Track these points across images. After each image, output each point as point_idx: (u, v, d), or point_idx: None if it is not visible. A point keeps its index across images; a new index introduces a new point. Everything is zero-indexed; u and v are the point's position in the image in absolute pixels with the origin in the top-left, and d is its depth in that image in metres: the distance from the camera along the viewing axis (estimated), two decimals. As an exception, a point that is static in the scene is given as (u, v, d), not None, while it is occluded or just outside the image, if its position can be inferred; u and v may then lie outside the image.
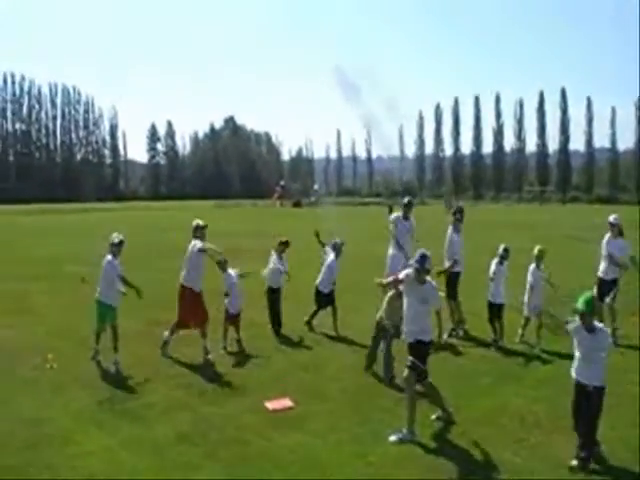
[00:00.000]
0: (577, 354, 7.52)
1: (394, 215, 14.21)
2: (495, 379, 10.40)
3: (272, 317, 13.44)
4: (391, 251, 14.01)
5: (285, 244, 13.72)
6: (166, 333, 11.71)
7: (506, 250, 12.57)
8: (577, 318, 7.39)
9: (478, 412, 8.92)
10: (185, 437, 8.15)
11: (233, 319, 12.26)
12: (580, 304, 7.32)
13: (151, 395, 9.69)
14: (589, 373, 7.34)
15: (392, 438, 8.01)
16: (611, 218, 13.06)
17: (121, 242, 11.30)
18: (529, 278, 12.49)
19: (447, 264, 13.07)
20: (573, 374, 7.52)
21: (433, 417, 8.49)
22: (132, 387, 10.10)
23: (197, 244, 11.52)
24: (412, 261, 8.50)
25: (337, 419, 8.70)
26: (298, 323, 13.63)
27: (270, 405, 9.16)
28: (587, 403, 7.35)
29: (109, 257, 11.23)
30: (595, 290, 12.62)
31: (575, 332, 7.49)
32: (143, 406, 9.23)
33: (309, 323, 13.68)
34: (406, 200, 14.39)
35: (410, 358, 8.28)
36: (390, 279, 9.36)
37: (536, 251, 12.56)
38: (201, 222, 11.76)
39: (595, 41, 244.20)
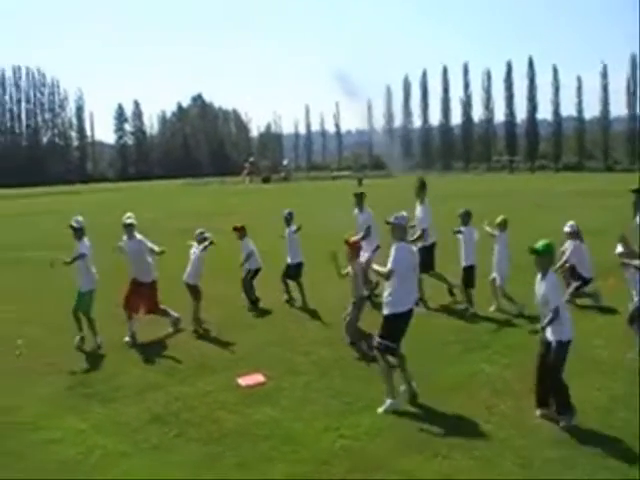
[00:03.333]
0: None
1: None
2: (465, 347, 10.47)
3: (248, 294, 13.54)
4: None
5: (239, 230, 13.70)
6: (127, 323, 11.51)
7: (467, 213, 12.72)
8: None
9: (449, 380, 8.98)
10: (157, 418, 8.12)
11: (191, 290, 12.17)
12: (538, 245, 7.57)
13: (122, 377, 9.64)
14: (550, 328, 7.49)
15: (380, 410, 8.03)
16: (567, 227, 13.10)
17: (80, 228, 11.21)
18: (496, 246, 12.70)
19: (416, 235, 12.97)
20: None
21: (402, 388, 8.47)
22: (102, 370, 10.04)
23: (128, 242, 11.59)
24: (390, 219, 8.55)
25: (309, 393, 8.72)
26: (269, 299, 13.62)
27: (242, 381, 9.14)
28: (547, 358, 7.54)
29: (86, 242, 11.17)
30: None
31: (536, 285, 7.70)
32: (114, 388, 9.17)
33: (288, 301, 13.81)
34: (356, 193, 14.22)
35: (377, 340, 8.31)
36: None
37: (499, 220, 12.70)
38: (128, 220, 11.62)
39: (561, 10, 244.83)
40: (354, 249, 10.41)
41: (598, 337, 10.52)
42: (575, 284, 12.67)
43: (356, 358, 10.06)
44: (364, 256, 11.43)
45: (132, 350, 10.94)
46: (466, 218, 12.74)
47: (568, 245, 12.85)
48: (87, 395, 8.99)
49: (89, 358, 10.62)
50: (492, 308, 12.53)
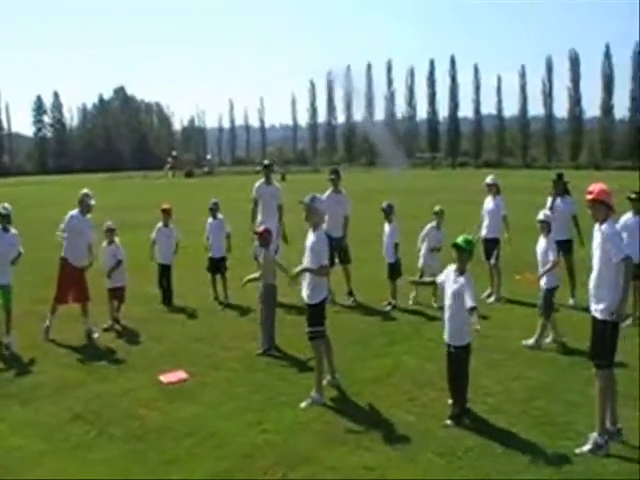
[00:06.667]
0: (445, 309, 7.64)
1: (257, 183, 13.76)
2: (388, 340, 10.62)
3: (162, 292, 13.31)
4: (260, 218, 13.47)
5: (166, 212, 13.47)
6: (48, 315, 11.24)
7: (389, 206, 12.80)
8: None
9: (372, 373, 9.09)
10: (78, 416, 7.94)
11: (119, 293, 11.98)
12: (460, 240, 7.46)
13: (40, 375, 9.40)
14: (452, 332, 7.50)
15: (303, 405, 8.01)
16: (488, 179, 13.50)
17: (7, 215, 10.78)
18: (428, 237, 12.90)
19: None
20: (444, 335, 7.68)
21: (325, 381, 8.51)
22: (19, 368, 9.75)
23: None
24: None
25: (232, 388, 8.69)
26: (190, 295, 13.50)
27: (164, 378, 9.04)
28: (451, 363, 7.59)
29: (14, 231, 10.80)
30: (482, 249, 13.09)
31: (445, 278, 7.63)
32: (32, 387, 8.92)
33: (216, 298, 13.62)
34: (266, 162, 14.09)
35: (308, 329, 8.28)
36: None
37: (436, 209, 12.90)
38: (87, 191, 11.39)
39: (482, 11, 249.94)
40: (263, 238, 10.45)
41: (516, 328, 10.81)
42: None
43: (280, 353, 10.07)
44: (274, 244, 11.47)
45: (51, 348, 10.66)
46: (389, 210, 12.81)
47: None
48: (3, 395, 8.71)
49: (4, 356, 10.32)
50: (411, 302, 12.72)
